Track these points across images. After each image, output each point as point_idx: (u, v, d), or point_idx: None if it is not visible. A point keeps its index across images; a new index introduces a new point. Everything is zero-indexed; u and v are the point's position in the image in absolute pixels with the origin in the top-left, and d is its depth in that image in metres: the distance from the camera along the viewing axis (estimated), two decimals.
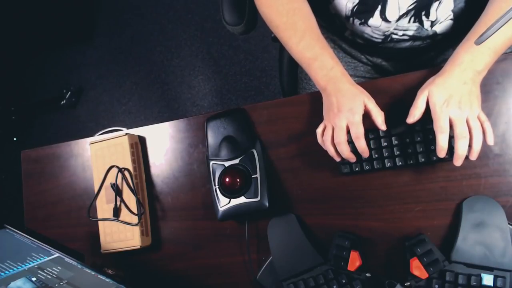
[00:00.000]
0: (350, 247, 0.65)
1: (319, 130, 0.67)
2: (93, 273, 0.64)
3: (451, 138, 0.64)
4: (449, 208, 0.65)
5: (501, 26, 0.45)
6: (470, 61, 0.59)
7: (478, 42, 0.51)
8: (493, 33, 0.48)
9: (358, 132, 0.62)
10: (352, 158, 0.65)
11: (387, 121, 0.69)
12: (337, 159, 0.66)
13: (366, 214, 0.69)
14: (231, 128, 0.75)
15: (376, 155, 0.67)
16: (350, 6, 0.72)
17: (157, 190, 0.81)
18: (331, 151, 0.65)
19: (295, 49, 0.68)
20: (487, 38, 0.49)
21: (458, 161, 0.59)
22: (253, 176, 0.71)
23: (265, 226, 0.72)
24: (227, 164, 0.73)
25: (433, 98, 0.60)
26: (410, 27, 0.73)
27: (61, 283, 0.59)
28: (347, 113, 0.62)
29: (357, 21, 0.75)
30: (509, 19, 0.45)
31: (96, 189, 0.80)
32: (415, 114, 0.62)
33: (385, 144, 0.67)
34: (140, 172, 0.80)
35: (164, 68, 1.92)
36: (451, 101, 0.58)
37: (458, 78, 0.59)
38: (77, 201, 0.85)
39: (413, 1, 0.68)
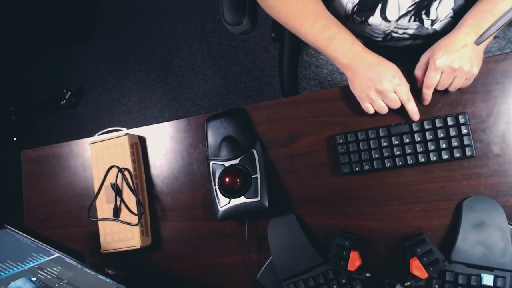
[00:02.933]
0: (350, 247, 0.65)
1: (368, 106, 0.67)
2: (93, 273, 0.64)
3: (452, 136, 0.64)
4: (449, 208, 0.65)
5: (502, 26, 0.45)
6: (474, 25, 0.61)
7: (478, 42, 0.51)
8: (494, 33, 0.48)
9: (409, 95, 0.64)
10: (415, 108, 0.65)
11: (387, 121, 0.69)
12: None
13: (366, 214, 0.69)
14: (231, 128, 0.75)
15: (376, 155, 0.67)
16: (350, 6, 0.72)
17: (157, 190, 0.81)
18: (394, 106, 0.66)
19: (310, 33, 0.68)
20: (487, 38, 0.49)
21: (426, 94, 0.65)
22: (253, 176, 0.71)
23: (265, 226, 0.72)
24: (227, 164, 0.73)
25: (433, 57, 0.62)
26: (410, 26, 0.73)
27: (61, 283, 0.59)
28: (392, 80, 0.63)
29: (357, 20, 0.75)
30: (509, 19, 0.45)
31: (96, 189, 0.80)
32: (416, 75, 0.66)
33: (385, 144, 0.67)
34: (140, 172, 0.80)
35: (164, 68, 1.92)
36: (450, 59, 0.61)
37: (460, 41, 0.61)
38: (77, 201, 0.85)
39: (413, 2, 0.68)
